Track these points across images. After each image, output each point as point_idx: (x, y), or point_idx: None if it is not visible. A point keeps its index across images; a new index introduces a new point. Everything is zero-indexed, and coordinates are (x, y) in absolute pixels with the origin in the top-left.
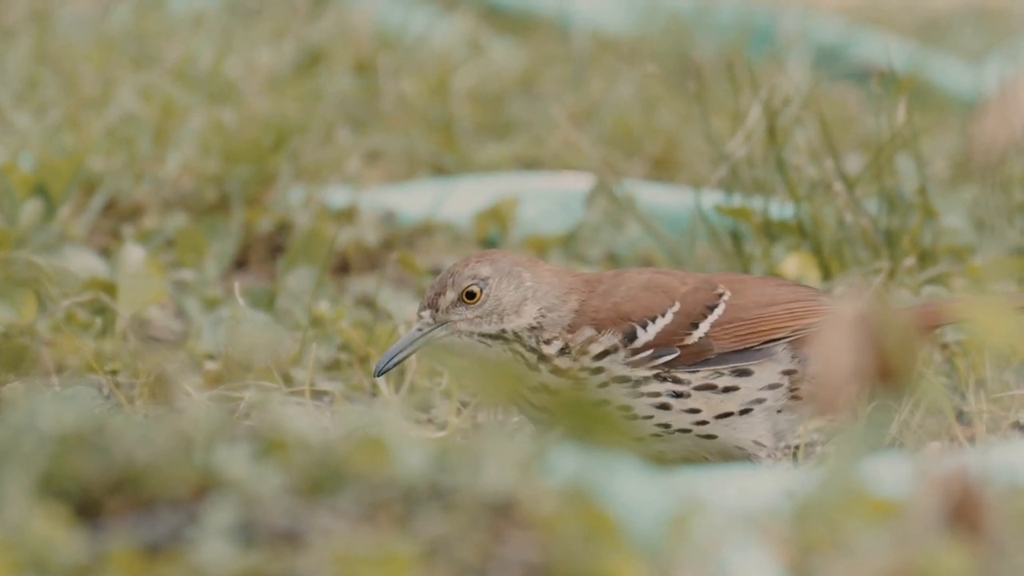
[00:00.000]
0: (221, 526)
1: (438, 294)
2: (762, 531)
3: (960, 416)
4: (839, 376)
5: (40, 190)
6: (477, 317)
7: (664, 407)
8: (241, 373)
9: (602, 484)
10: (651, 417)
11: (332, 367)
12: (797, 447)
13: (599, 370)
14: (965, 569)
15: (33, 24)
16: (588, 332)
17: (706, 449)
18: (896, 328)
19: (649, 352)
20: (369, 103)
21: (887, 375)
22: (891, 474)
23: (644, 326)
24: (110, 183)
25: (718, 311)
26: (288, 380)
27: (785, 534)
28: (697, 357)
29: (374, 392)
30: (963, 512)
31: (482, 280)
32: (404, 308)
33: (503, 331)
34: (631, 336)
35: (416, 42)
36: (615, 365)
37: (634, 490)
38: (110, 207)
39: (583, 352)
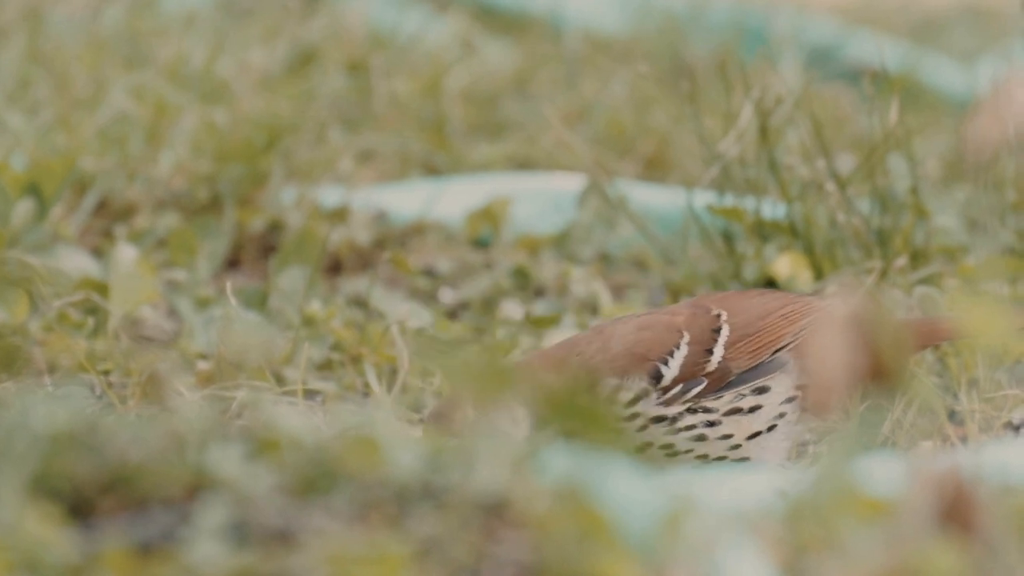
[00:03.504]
0: (214, 526)
1: None
2: (755, 531)
3: (952, 415)
4: (831, 376)
5: (32, 190)
6: None
7: (701, 439)
8: (233, 373)
9: (595, 484)
10: (691, 451)
11: (324, 367)
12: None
13: (634, 416)
14: (958, 568)
15: (25, 24)
16: (612, 382)
17: None
18: (888, 327)
19: (679, 388)
20: (362, 103)
21: (879, 375)
22: (883, 474)
23: (665, 363)
24: (102, 183)
25: (725, 332)
26: (280, 380)
27: (778, 534)
28: (720, 382)
29: (366, 392)
30: (956, 512)
31: None
32: (396, 308)
33: None
34: (656, 376)
35: (409, 42)
36: (649, 407)
37: (627, 490)
38: (102, 207)
39: (612, 402)
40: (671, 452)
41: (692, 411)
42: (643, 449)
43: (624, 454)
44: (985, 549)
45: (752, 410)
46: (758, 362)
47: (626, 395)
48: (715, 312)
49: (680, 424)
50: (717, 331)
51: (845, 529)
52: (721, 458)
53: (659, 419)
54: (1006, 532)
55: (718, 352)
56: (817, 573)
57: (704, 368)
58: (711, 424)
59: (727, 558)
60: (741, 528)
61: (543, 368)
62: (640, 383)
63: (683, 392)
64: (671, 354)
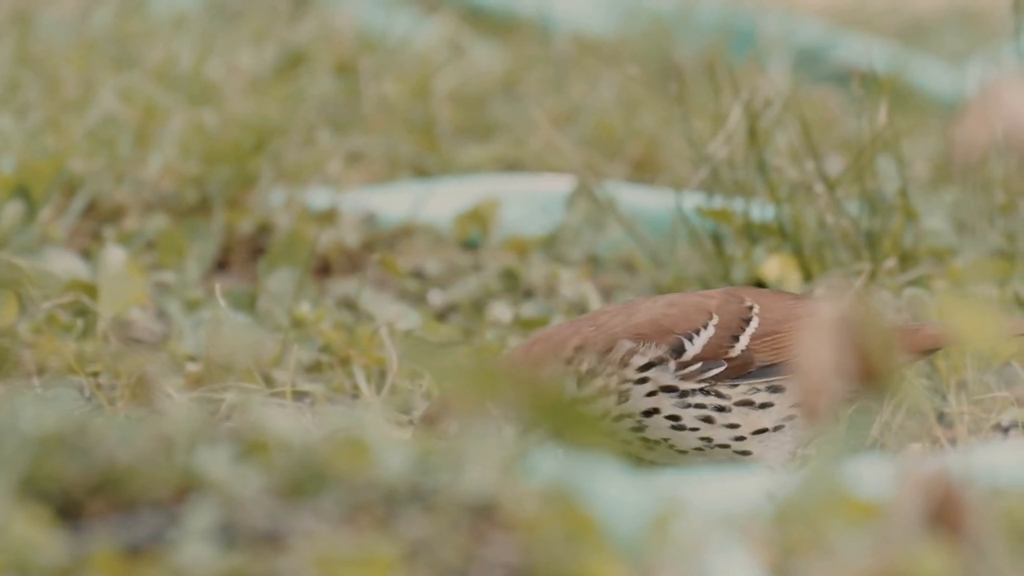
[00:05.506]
0: (202, 528)
1: None
2: (743, 533)
3: (941, 418)
4: (820, 378)
5: (21, 192)
6: None
7: (708, 420)
8: (222, 375)
9: (584, 486)
10: (697, 429)
11: (313, 368)
12: None
13: (644, 380)
14: (946, 571)
15: (14, 26)
16: (627, 345)
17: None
18: (877, 329)
19: (698, 365)
20: (350, 105)
21: (868, 376)
22: (872, 476)
23: (690, 339)
24: (91, 185)
25: (754, 324)
26: (269, 381)
27: (766, 536)
28: (740, 371)
29: (355, 394)
30: (944, 514)
31: None
32: (385, 310)
33: None
34: (679, 349)
35: (398, 44)
36: (663, 375)
37: (616, 491)
38: (91, 209)
39: (624, 364)
40: (677, 425)
41: (705, 392)
42: (650, 415)
43: (613, 455)
44: (974, 552)
45: (763, 406)
46: (779, 360)
47: (639, 360)
48: (748, 303)
49: (691, 400)
50: (747, 321)
51: (834, 531)
52: (723, 446)
53: (670, 388)
54: (995, 534)
55: (743, 340)
56: (806, 575)
57: (727, 353)
58: (721, 409)
59: (715, 560)
60: (729, 530)
61: (542, 348)
62: (657, 350)
63: (701, 371)
64: (697, 332)
